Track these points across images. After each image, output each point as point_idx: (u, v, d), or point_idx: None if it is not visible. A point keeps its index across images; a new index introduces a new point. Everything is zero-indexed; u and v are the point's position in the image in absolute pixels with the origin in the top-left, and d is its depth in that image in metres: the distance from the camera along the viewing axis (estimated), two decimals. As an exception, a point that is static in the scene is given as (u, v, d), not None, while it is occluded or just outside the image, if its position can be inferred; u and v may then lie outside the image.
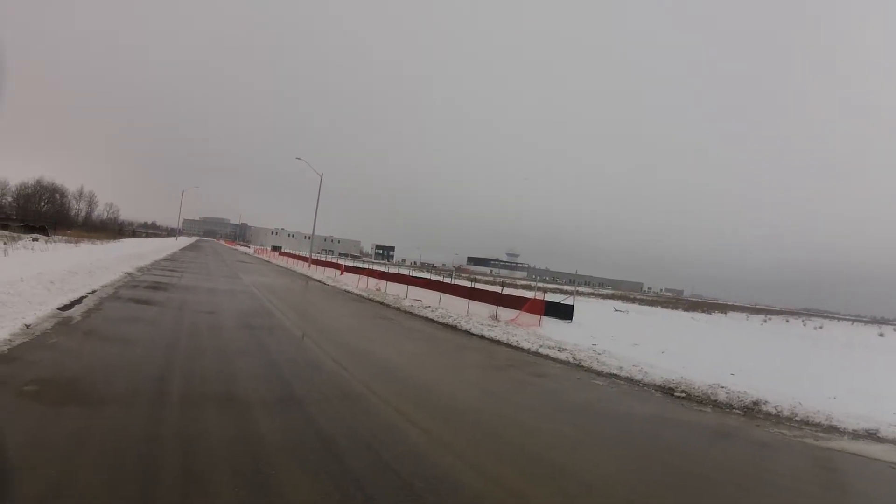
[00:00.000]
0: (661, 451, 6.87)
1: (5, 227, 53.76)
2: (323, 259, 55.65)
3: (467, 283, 34.15)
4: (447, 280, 37.15)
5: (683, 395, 10.24)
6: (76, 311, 11.75)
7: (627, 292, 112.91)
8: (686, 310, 55.75)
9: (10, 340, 8.31)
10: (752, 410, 9.65)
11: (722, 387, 10.46)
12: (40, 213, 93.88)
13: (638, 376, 11.44)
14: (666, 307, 57.81)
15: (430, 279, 32.22)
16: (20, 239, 37.95)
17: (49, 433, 4.89)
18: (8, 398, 5.81)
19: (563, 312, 21.79)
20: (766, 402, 9.79)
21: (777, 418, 9.37)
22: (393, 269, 40.87)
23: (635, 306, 48.95)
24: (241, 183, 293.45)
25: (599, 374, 11.82)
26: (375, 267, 43.69)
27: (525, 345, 14.40)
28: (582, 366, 12.48)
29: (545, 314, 20.27)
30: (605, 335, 17.85)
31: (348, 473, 4.79)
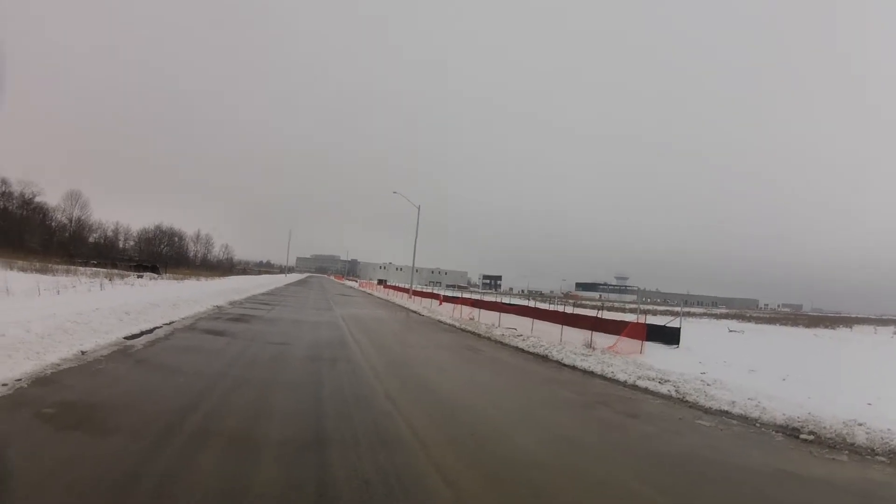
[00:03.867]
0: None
1: (115, 266, 57.97)
2: (425, 290, 55.79)
3: (560, 308, 32.51)
4: (543, 306, 35.69)
5: (811, 437, 8.95)
6: (141, 341, 12.54)
7: (742, 310, 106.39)
8: (807, 326, 54.12)
9: (56, 365, 8.97)
10: (900, 455, 8.03)
11: (860, 424, 9.20)
12: (160, 255, 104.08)
13: (754, 413, 10.23)
14: (785, 324, 55.93)
15: (524, 306, 31.38)
16: (126, 276, 40.96)
17: (40, 456, 5.16)
18: (22, 418, 6.24)
19: (669, 336, 20.83)
20: (917, 444, 8.13)
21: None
22: (490, 298, 40.05)
23: (751, 325, 46.67)
24: (350, 221, 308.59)
25: (707, 411, 10.61)
26: (485, 298, 42.97)
27: (621, 376, 13.60)
28: (686, 401, 11.38)
29: (648, 339, 19.42)
30: (716, 361, 16.79)
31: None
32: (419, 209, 53.84)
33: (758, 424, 9.61)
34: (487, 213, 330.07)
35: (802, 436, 8.87)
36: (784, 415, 9.78)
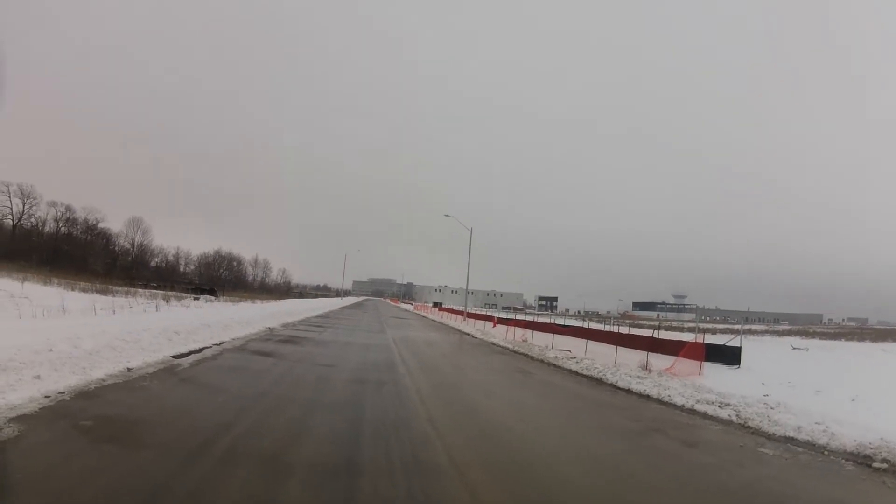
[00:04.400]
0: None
1: (170, 288, 60.95)
2: (478, 313, 55.68)
3: (615, 329, 31.70)
4: (597, 327, 34.94)
5: (884, 465, 8.32)
6: (188, 360, 12.77)
7: (806, 326, 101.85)
8: (874, 340, 51.93)
9: (101, 380, 9.22)
10: None
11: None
12: (219, 279, 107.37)
13: (822, 439, 9.62)
14: (850, 339, 53.88)
15: (578, 327, 30.87)
16: (183, 298, 42.25)
17: (68, 466, 5.30)
18: (59, 428, 6.45)
19: (729, 356, 20.14)
20: None
21: None
22: (545, 319, 39.43)
23: (816, 341, 45.13)
24: (406, 244, 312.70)
25: (770, 437, 9.99)
26: (540, 319, 42.49)
27: (678, 400, 13.16)
28: (748, 426, 10.78)
29: (707, 359, 18.79)
30: (779, 381, 16.17)
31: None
32: (471, 231, 54.00)
33: (826, 452, 9.01)
34: (544, 233, 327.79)
35: (875, 464, 8.25)
36: (855, 441, 9.15)
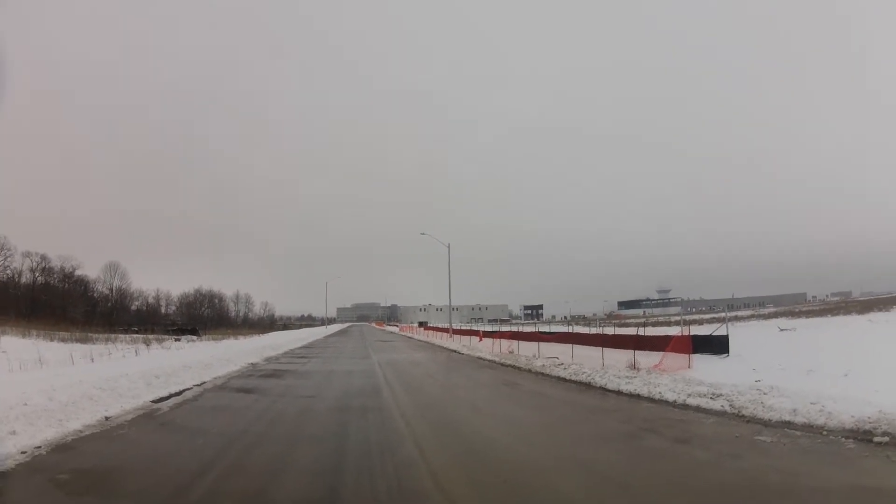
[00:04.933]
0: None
1: (151, 331, 60.42)
2: (464, 328, 55.75)
3: (600, 331, 31.76)
4: (583, 330, 34.98)
5: (885, 438, 8.14)
6: (168, 403, 12.74)
7: (791, 307, 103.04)
8: (860, 312, 50.88)
9: (78, 431, 9.17)
10: None
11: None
12: (201, 318, 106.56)
13: (819, 419, 9.47)
14: (836, 314, 53.40)
15: (564, 333, 30.84)
16: (164, 340, 41.82)
17: None
18: (35, 484, 6.47)
19: (717, 345, 20.03)
20: None
21: None
22: (530, 328, 39.39)
23: (802, 321, 45.38)
24: (386, 267, 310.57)
25: (766, 424, 9.84)
26: (525, 329, 42.67)
27: (669, 396, 13.05)
28: (742, 415, 10.65)
29: (695, 351, 18.64)
30: (770, 365, 15.99)
31: None
32: (449, 248, 54.04)
33: (824, 432, 8.88)
34: (525, 242, 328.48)
35: (876, 438, 8.12)
36: (852, 416, 9.03)
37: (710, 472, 7.22)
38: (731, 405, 11.29)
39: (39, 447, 7.91)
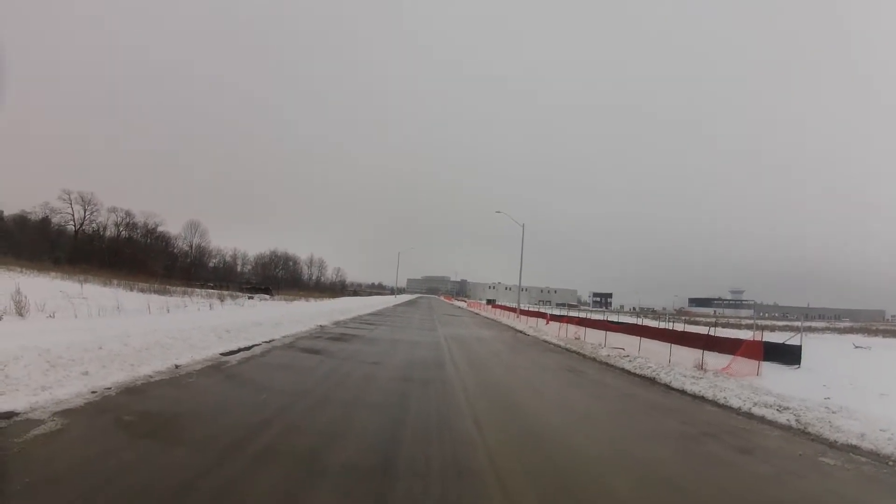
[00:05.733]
0: None
1: (226, 288, 62.96)
2: (531, 310, 55.40)
3: (670, 326, 30.94)
4: (652, 324, 34.19)
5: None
6: (236, 357, 13.05)
7: (868, 323, 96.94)
8: None
9: (149, 376, 9.52)
10: None
11: None
12: (276, 278, 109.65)
13: (887, 448, 9.09)
14: None
15: (632, 324, 30.56)
16: (238, 297, 43.17)
17: (104, 460, 5.46)
18: (101, 423, 6.68)
19: (788, 355, 19.60)
20: None
21: None
22: (599, 316, 38.84)
23: (879, 339, 42.86)
24: (460, 242, 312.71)
25: (832, 445, 9.53)
26: (593, 316, 42.03)
27: (734, 402, 12.75)
28: (808, 432, 10.36)
29: (765, 359, 18.20)
30: (841, 382, 15.60)
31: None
32: (523, 228, 53.57)
33: (891, 463, 8.54)
34: (599, 229, 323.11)
35: (946, 477, 7.74)
36: (923, 450, 8.58)
37: (768, 487, 6.91)
38: (797, 420, 10.98)
39: (109, 388, 8.28)
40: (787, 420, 11.01)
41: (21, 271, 42.12)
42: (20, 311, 16.50)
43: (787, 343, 20.48)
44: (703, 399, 13.42)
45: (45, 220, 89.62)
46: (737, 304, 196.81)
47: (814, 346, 24.79)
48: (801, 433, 10.25)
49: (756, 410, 11.87)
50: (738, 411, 12.05)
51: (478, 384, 12.74)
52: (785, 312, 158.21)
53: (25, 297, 17.31)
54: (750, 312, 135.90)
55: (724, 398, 13.04)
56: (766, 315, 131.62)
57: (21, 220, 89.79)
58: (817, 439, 9.80)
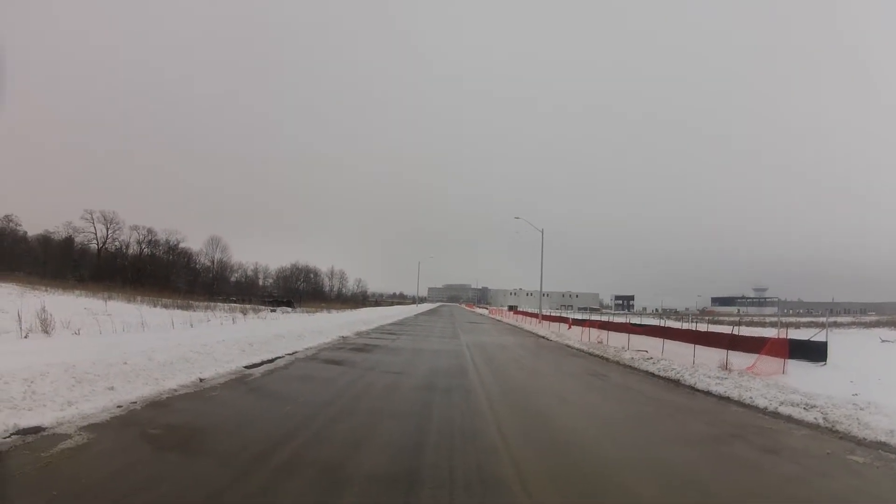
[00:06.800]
0: None
1: (248, 302, 63.74)
2: (553, 315, 55.06)
3: (693, 326, 30.63)
4: (674, 325, 33.81)
5: None
6: (260, 370, 13.20)
7: (894, 316, 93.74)
8: None
9: (173, 390, 9.71)
10: None
11: None
12: (297, 291, 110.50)
13: None
14: None
15: (655, 326, 30.34)
16: (260, 311, 43.59)
17: (130, 472, 5.57)
18: (127, 437, 6.81)
19: (814, 352, 19.16)
20: None
21: None
22: (621, 319, 38.51)
23: None
24: (481, 249, 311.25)
25: (860, 442, 9.27)
26: (615, 319, 41.62)
27: (761, 402, 12.57)
28: (836, 430, 10.15)
29: (790, 356, 17.92)
30: (869, 378, 15.14)
31: None
32: (542, 233, 53.45)
33: None
34: (619, 231, 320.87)
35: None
36: (956, 447, 8.37)
37: (796, 488, 6.82)
38: (824, 418, 10.78)
39: (135, 402, 8.43)
40: (814, 418, 10.85)
41: (46, 290, 43.02)
42: (46, 328, 16.80)
43: (812, 340, 20.15)
44: (728, 400, 13.25)
45: (69, 240, 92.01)
46: (760, 302, 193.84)
47: (839, 342, 24.16)
48: (829, 431, 10.07)
49: (782, 409, 11.73)
50: (764, 411, 11.90)
51: (501, 391, 12.70)
52: (809, 308, 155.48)
53: (51, 315, 17.66)
54: (774, 310, 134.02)
55: (750, 398, 12.90)
56: (790, 311, 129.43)
57: (45, 240, 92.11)
58: (845, 437, 9.60)
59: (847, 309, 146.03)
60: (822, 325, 22.76)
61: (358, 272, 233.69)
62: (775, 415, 11.50)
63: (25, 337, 15.35)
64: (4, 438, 6.22)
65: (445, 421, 9.07)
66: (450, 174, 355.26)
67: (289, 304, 74.93)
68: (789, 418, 11.12)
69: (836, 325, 52.28)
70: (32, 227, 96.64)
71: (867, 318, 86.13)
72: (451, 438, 7.88)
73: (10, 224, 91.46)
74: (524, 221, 55.09)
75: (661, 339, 24.50)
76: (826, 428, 10.26)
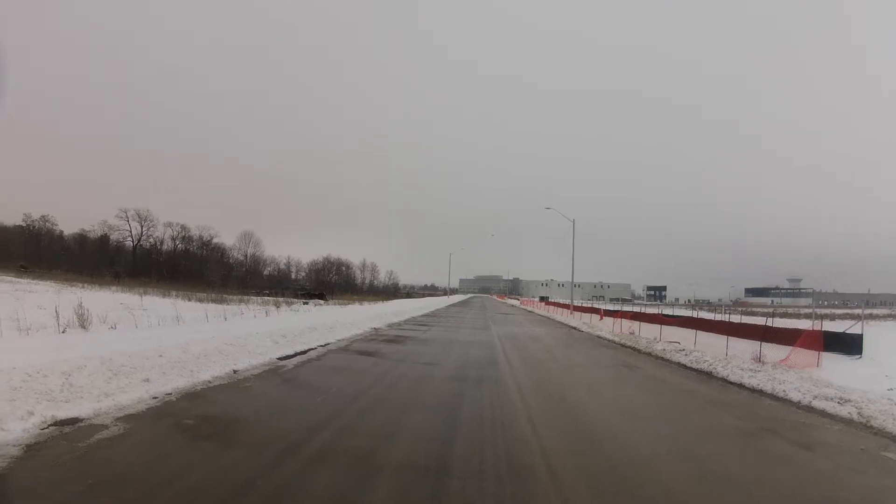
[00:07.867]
0: None
1: (281, 294, 64.67)
2: (584, 306, 54.68)
3: (726, 318, 30.09)
4: (707, 316, 33.31)
5: None
6: (293, 361, 13.39)
7: None
8: None
9: (207, 382, 9.90)
10: None
11: None
12: (329, 284, 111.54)
13: None
14: None
15: (687, 317, 30.31)
16: (293, 303, 43.97)
17: (168, 460, 5.71)
18: (162, 426, 6.99)
19: (849, 345, 18.79)
20: None
21: None
22: (653, 310, 38.03)
23: None
24: (513, 240, 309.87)
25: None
26: (647, 310, 41.31)
27: (794, 395, 12.32)
28: (870, 426, 9.85)
29: (825, 349, 17.49)
30: None
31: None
32: (573, 223, 52.93)
33: None
34: (651, 222, 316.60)
35: None
36: None
37: (828, 484, 6.57)
38: (859, 413, 10.49)
39: (170, 394, 8.64)
40: (849, 413, 10.58)
41: (83, 286, 44.20)
42: (83, 323, 17.25)
43: (847, 332, 19.61)
44: (761, 393, 13.02)
45: (104, 238, 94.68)
46: (795, 293, 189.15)
47: (876, 334, 23.40)
48: (864, 426, 9.78)
49: (816, 403, 11.47)
50: (797, 405, 11.65)
51: (532, 383, 12.61)
52: (844, 299, 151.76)
53: (88, 311, 18.15)
54: (808, 301, 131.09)
55: (783, 391, 12.69)
56: (825, 303, 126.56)
57: (81, 239, 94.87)
58: (880, 433, 9.33)
59: (883, 301, 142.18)
60: (857, 317, 22.09)
61: (389, 264, 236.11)
62: (809, 409, 11.29)
63: (63, 332, 15.85)
64: (42, 430, 6.41)
65: (476, 412, 9.06)
66: (479, 168, 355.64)
67: (321, 296, 75.73)
68: (823, 412, 10.91)
69: (871, 316, 50.92)
70: (69, 226, 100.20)
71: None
72: (481, 429, 7.87)
73: (47, 224, 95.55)
74: (555, 212, 54.76)
75: (694, 331, 24.14)
76: (860, 423, 10.02)
